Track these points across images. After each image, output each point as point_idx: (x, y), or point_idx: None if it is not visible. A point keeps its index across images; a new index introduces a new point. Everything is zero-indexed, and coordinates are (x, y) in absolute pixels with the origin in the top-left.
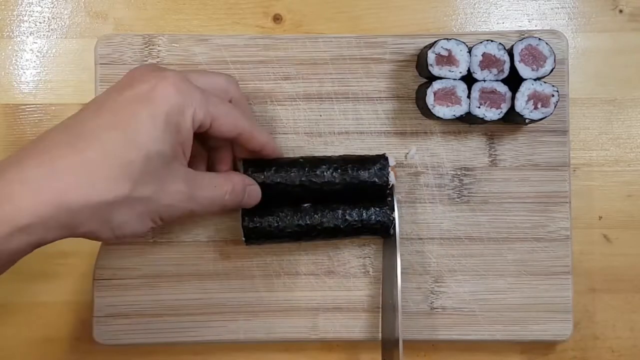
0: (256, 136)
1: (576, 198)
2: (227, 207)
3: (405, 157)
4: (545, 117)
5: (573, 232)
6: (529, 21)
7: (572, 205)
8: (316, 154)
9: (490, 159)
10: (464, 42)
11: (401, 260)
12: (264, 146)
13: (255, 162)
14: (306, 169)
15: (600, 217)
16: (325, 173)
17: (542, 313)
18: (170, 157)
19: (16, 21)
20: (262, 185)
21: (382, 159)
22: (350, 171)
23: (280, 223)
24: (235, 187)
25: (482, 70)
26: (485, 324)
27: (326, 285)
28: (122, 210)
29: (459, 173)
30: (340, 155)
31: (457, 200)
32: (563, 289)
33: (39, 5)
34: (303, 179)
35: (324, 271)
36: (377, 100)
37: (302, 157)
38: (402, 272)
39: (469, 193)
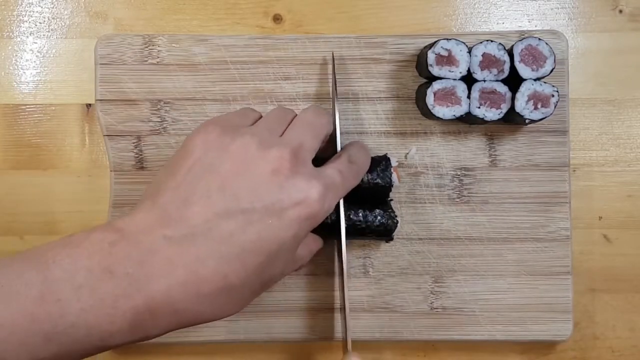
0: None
1: (576, 198)
2: None
3: (405, 157)
4: (545, 117)
5: (573, 232)
6: (529, 21)
7: (572, 206)
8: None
9: (490, 159)
10: (464, 42)
11: (401, 260)
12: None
13: None
14: None
15: (600, 217)
16: None
17: (542, 313)
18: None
19: (16, 21)
20: None
21: (384, 160)
22: None
23: None
24: (317, 242)
25: (482, 70)
26: (485, 324)
27: (326, 285)
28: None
29: (459, 173)
30: None
31: (457, 200)
32: (563, 289)
33: (39, 5)
34: None
35: (324, 271)
36: (377, 100)
37: None
38: (402, 272)
39: (469, 193)
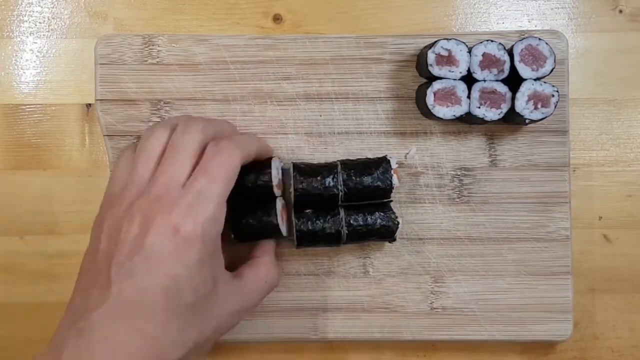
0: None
1: (576, 198)
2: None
3: (405, 157)
4: (545, 117)
5: (573, 232)
6: (529, 21)
7: (572, 205)
8: (316, 155)
9: (490, 159)
10: (464, 42)
11: (401, 260)
12: (257, 153)
13: (303, 170)
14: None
15: (600, 217)
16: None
17: (542, 313)
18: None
19: (16, 21)
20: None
21: (384, 162)
22: (353, 177)
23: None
24: (275, 263)
25: (482, 70)
26: (485, 324)
27: (326, 285)
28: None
29: (459, 173)
30: (341, 161)
31: (457, 200)
32: (563, 289)
33: (39, 5)
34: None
35: (324, 271)
36: (377, 100)
37: (303, 163)
38: (402, 272)
39: (468, 193)
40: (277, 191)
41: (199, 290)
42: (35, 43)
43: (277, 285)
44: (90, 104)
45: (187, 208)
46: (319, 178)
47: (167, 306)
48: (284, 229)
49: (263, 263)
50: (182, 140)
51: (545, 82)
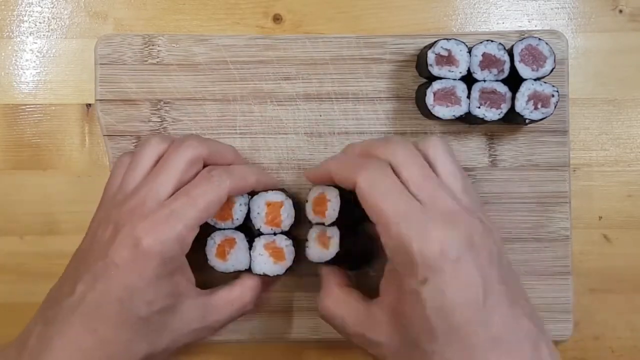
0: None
1: (576, 198)
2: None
3: None
4: (546, 117)
5: (573, 232)
6: (529, 21)
7: (572, 205)
8: (316, 155)
9: (490, 159)
10: (464, 42)
11: None
12: (254, 186)
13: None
14: None
15: (600, 217)
16: None
17: (542, 313)
18: (171, 299)
19: (16, 21)
20: None
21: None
22: None
23: None
24: (256, 290)
25: (482, 70)
26: None
27: None
28: None
29: None
30: None
31: None
32: (563, 289)
33: (39, 5)
34: None
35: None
36: (377, 100)
37: None
38: None
39: None
40: (264, 229)
41: (153, 305)
42: (35, 43)
43: (249, 310)
44: (90, 104)
45: (153, 223)
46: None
47: (120, 314)
48: (257, 266)
49: (239, 285)
50: (173, 157)
51: (545, 82)
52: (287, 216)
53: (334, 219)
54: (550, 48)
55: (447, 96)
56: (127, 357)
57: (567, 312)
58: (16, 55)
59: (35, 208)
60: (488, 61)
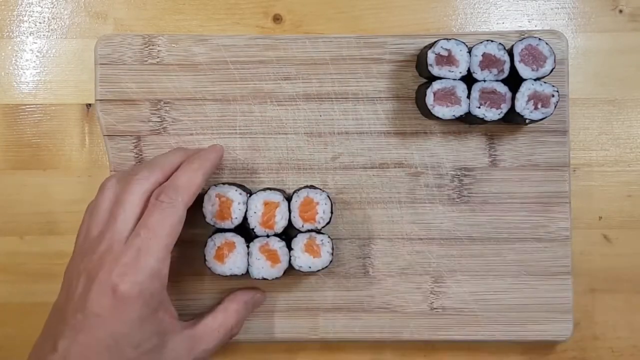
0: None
1: (576, 198)
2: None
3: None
4: (546, 117)
5: (573, 232)
6: (529, 21)
7: (572, 205)
8: (316, 155)
9: (490, 159)
10: (464, 42)
11: (401, 260)
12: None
13: None
14: None
15: (600, 217)
16: None
17: (542, 313)
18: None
19: (16, 21)
20: None
21: None
22: None
23: None
24: (240, 313)
25: (482, 70)
26: (485, 324)
27: (326, 285)
28: None
29: (458, 173)
30: None
31: (457, 200)
32: (563, 289)
33: (39, 5)
34: None
35: (324, 271)
36: (377, 100)
37: None
38: (402, 272)
39: (468, 193)
40: (258, 230)
41: (141, 347)
42: (35, 43)
43: (235, 333)
44: (90, 104)
45: (125, 267)
46: None
47: None
48: (255, 271)
49: (222, 311)
50: (126, 196)
51: (545, 82)
52: (281, 218)
53: (326, 222)
54: (550, 48)
55: (447, 96)
56: None
57: (567, 312)
58: (16, 55)
59: (35, 208)
60: (488, 61)
